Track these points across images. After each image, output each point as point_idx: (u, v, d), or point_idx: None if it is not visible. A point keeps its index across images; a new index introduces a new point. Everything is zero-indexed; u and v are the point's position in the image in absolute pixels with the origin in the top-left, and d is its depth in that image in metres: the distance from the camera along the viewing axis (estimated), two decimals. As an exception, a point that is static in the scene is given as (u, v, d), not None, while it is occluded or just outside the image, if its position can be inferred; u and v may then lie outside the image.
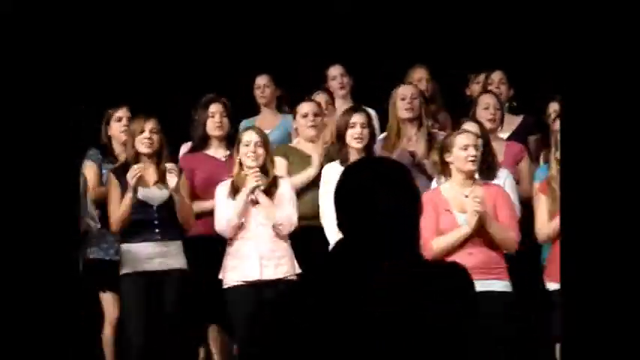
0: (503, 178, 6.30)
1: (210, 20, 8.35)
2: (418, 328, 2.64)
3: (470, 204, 5.71)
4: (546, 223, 6.01)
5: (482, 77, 7.59)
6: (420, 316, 2.64)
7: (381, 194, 2.74)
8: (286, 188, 6.30)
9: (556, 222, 5.86)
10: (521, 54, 8.07)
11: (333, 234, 6.05)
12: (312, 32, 8.34)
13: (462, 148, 5.83)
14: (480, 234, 5.71)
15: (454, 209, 5.80)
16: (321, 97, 7.13)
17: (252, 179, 6.13)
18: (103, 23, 7.79)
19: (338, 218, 2.80)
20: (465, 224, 5.71)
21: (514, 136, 7.03)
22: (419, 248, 2.80)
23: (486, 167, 6.21)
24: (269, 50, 8.22)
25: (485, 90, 7.25)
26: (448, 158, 5.88)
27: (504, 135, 7.05)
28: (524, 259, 6.11)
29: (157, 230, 6.17)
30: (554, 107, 6.94)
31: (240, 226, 6.17)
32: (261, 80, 7.54)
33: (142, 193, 6.16)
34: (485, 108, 6.76)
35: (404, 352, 2.62)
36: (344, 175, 2.84)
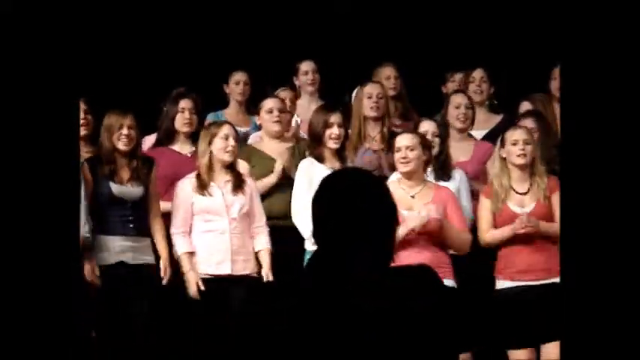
0: (458, 179, 6.35)
1: (181, 14, 8.34)
2: (400, 331, 2.68)
3: (421, 207, 5.75)
4: (488, 230, 6.02)
5: (458, 76, 7.61)
6: (400, 319, 2.69)
7: (358, 206, 2.78)
8: (252, 188, 6.28)
9: (502, 230, 5.96)
10: (504, 52, 8.12)
11: (306, 230, 6.08)
12: (283, 28, 8.32)
13: (397, 150, 5.92)
14: (432, 234, 5.76)
15: (400, 207, 5.77)
16: (285, 94, 7.15)
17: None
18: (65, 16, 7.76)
19: (314, 229, 2.83)
20: (408, 220, 5.71)
21: (491, 135, 7.04)
22: (393, 259, 2.83)
23: (439, 167, 6.30)
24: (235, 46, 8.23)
25: (457, 89, 7.27)
26: (394, 158, 5.97)
27: (481, 132, 7.10)
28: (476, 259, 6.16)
29: (131, 226, 6.13)
30: (524, 107, 6.99)
31: (208, 220, 6.16)
32: (241, 77, 7.51)
33: (116, 189, 6.12)
34: (457, 107, 6.77)
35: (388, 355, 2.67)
36: (321, 187, 2.87)
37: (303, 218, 6.16)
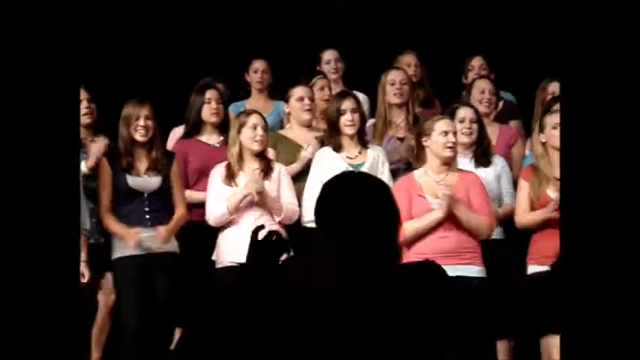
0: (500, 165, 6.35)
1: (202, 6, 8.38)
2: (403, 326, 2.71)
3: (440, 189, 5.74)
4: (526, 212, 6.02)
5: (477, 62, 7.58)
6: (404, 315, 2.71)
7: (360, 210, 2.80)
8: (284, 176, 6.31)
9: (536, 213, 5.96)
10: (504, 39, 8.13)
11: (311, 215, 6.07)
12: (304, 17, 8.36)
13: (442, 133, 5.86)
14: (454, 219, 5.73)
15: (427, 194, 5.80)
16: (322, 82, 7.15)
17: (254, 184, 6.10)
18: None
19: (318, 231, 2.85)
20: (437, 209, 5.72)
21: (495, 121, 7.00)
22: (398, 261, 2.85)
23: (481, 153, 6.29)
24: (258, 36, 8.25)
25: (481, 75, 7.27)
26: (426, 142, 5.90)
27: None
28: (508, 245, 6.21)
29: (147, 217, 6.14)
30: (552, 88, 6.97)
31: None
32: (260, 65, 7.55)
33: (133, 181, 6.14)
34: (482, 92, 6.79)
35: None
36: (323, 191, 2.89)
37: (309, 203, 6.16)
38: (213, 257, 6.25)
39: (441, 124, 5.89)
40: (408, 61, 7.49)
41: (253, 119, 6.24)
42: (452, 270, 5.40)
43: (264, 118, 6.31)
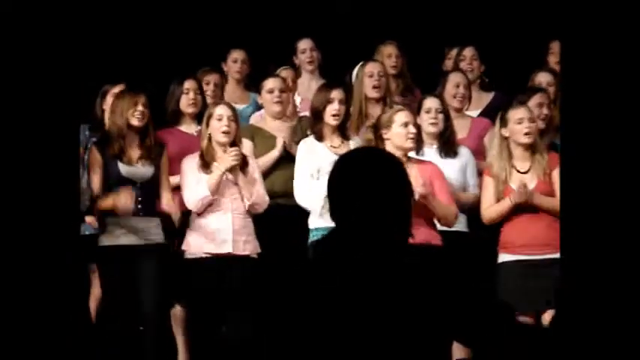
0: (465, 156, 6.37)
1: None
2: (408, 312, 2.71)
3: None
4: (490, 206, 6.05)
5: (454, 53, 7.59)
6: (411, 300, 2.72)
7: (373, 185, 2.80)
8: (254, 167, 6.32)
9: (499, 204, 5.99)
10: (494, 30, 8.12)
11: (311, 206, 6.11)
12: (281, 5, 8.36)
13: (402, 125, 5.87)
14: (420, 213, 5.71)
15: None
16: (286, 73, 7.18)
17: (231, 158, 6.11)
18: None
19: (330, 207, 2.85)
20: None
21: (484, 113, 7.05)
22: (409, 237, 2.85)
23: (444, 143, 6.31)
24: (236, 25, 8.23)
25: (455, 67, 7.27)
26: (385, 135, 5.91)
27: (475, 112, 7.08)
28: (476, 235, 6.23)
29: (139, 207, 6.13)
30: (538, 79, 6.97)
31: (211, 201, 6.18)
32: (239, 55, 7.55)
33: (125, 170, 6.13)
34: (456, 86, 6.77)
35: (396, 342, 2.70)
36: (336, 166, 2.88)
37: (306, 196, 6.18)
38: (183, 247, 6.25)
39: (401, 116, 5.93)
40: (389, 51, 7.46)
41: (219, 110, 6.23)
42: None
43: (232, 109, 6.30)
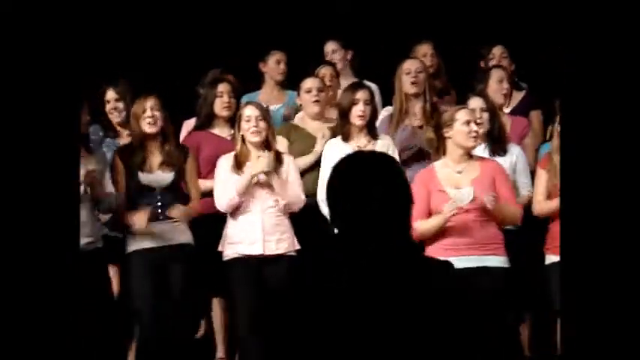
0: (515, 154, 6.33)
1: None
2: (405, 326, 2.67)
3: (463, 182, 5.72)
4: (543, 200, 6.02)
5: (498, 50, 7.52)
6: (405, 315, 2.68)
7: (370, 189, 2.76)
8: (291, 165, 6.30)
9: (553, 202, 5.93)
10: (525, 29, 8.06)
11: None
12: (315, 5, 8.36)
13: (464, 123, 5.80)
14: (480, 209, 5.65)
15: (447, 187, 5.73)
16: (325, 71, 7.13)
17: (260, 165, 6.11)
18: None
19: (330, 215, 2.82)
20: (456, 198, 5.63)
21: (516, 111, 7.03)
22: (409, 239, 2.82)
23: (494, 142, 6.27)
24: (267, 28, 8.25)
25: (497, 64, 7.22)
26: (447, 134, 5.83)
27: (507, 110, 7.03)
28: (526, 234, 6.14)
29: (159, 211, 6.12)
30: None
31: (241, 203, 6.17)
32: (281, 56, 7.50)
33: (145, 177, 6.12)
34: (499, 81, 6.77)
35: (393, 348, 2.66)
36: (333, 173, 2.85)
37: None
38: (220, 248, 6.25)
39: (463, 114, 5.85)
40: (425, 51, 7.47)
41: (247, 111, 6.25)
42: (476, 261, 5.51)
43: (260, 109, 6.29)
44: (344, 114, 6.37)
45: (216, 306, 6.53)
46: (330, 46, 7.65)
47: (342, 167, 2.84)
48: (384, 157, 2.92)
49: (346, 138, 6.33)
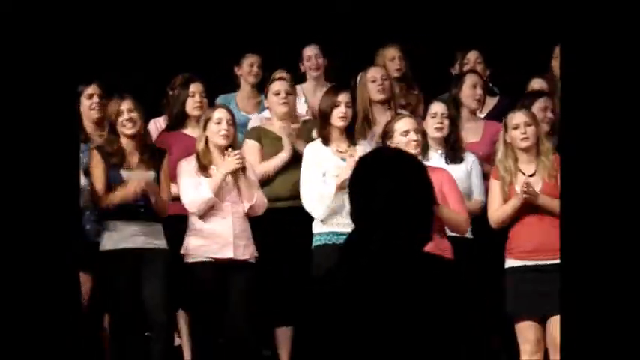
0: (470, 162, 6.34)
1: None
2: (413, 324, 2.68)
3: None
4: (497, 209, 6.00)
5: (473, 55, 7.54)
6: (414, 311, 2.69)
7: (394, 186, 2.76)
8: (253, 170, 6.32)
9: (507, 205, 5.94)
10: (498, 34, 8.10)
11: (317, 212, 6.10)
12: (287, 11, 8.36)
13: (402, 133, 5.88)
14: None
15: None
16: (281, 75, 7.07)
17: (235, 161, 6.10)
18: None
19: (351, 208, 2.82)
20: None
21: (490, 117, 7.01)
22: (428, 240, 2.83)
23: (450, 149, 6.29)
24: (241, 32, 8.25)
25: (471, 69, 7.22)
26: (390, 144, 5.88)
27: (481, 116, 7.04)
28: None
29: (141, 210, 6.11)
30: (534, 84, 6.98)
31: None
32: (255, 60, 7.52)
33: (126, 175, 6.13)
34: (473, 86, 6.77)
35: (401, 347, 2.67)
36: (358, 167, 2.85)
37: (313, 201, 6.15)
38: (182, 251, 6.21)
39: (401, 124, 5.93)
40: (393, 54, 7.44)
41: (218, 113, 6.23)
42: None
43: (230, 113, 6.30)
44: (325, 117, 6.30)
45: (181, 318, 6.47)
46: (309, 51, 7.61)
47: (368, 161, 2.85)
48: (409, 155, 2.92)
49: (326, 141, 6.26)
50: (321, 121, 6.38)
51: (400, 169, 2.79)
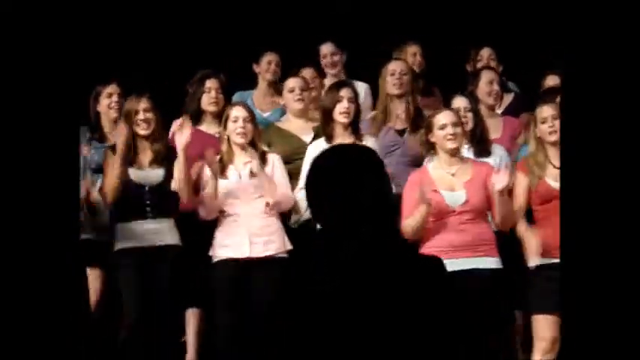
0: (499, 155, 6.30)
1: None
2: (391, 324, 2.68)
3: (456, 183, 5.72)
4: (522, 205, 5.92)
5: (486, 53, 7.53)
6: (392, 313, 2.68)
7: (349, 181, 2.75)
8: (276, 164, 6.28)
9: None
10: (513, 30, 8.07)
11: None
12: (308, 7, 8.38)
13: (440, 127, 5.83)
14: (472, 211, 5.67)
15: (441, 188, 5.74)
16: (307, 72, 7.14)
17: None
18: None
19: (311, 211, 2.82)
20: (451, 203, 5.66)
21: (505, 114, 6.99)
22: (392, 231, 2.87)
23: (477, 142, 6.25)
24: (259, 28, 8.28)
25: (487, 65, 7.21)
26: (431, 138, 5.87)
27: (498, 111, 7.00)
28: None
29: (147, 209, 6.14)
30: (549, 81, 6.94)
31: (228, 204, 6.16)
32: (273, 57, 7.50)
33: (135, 174, 6.16)
34: (489, 82, 6.75)
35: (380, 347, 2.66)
36: (311, 169, 2.84)
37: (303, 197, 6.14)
38: (210, 252, 6.22)
39: (439, 118, 5.87)
40: (414, 50, 7.48)
41: (234, 112, 6.24)
42: (467, 263, 5.52)
43: (248, 110, 6.28)
44: (328, 113, 6.29)
45: (191, 316, 6.46)
46: (324, 49, 7.62)
47: (321, 162, 2.83)
48: (362, 149, 2.91)
49: (330, 138, 6.25)
50: (323, 118, 6.35)
51: (355, 163, 2.78)
